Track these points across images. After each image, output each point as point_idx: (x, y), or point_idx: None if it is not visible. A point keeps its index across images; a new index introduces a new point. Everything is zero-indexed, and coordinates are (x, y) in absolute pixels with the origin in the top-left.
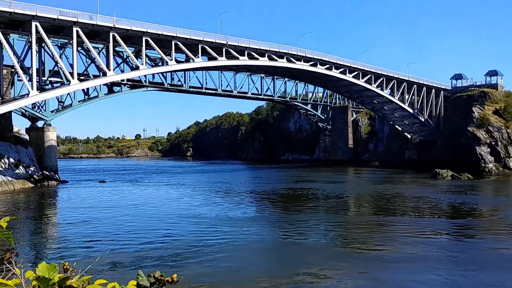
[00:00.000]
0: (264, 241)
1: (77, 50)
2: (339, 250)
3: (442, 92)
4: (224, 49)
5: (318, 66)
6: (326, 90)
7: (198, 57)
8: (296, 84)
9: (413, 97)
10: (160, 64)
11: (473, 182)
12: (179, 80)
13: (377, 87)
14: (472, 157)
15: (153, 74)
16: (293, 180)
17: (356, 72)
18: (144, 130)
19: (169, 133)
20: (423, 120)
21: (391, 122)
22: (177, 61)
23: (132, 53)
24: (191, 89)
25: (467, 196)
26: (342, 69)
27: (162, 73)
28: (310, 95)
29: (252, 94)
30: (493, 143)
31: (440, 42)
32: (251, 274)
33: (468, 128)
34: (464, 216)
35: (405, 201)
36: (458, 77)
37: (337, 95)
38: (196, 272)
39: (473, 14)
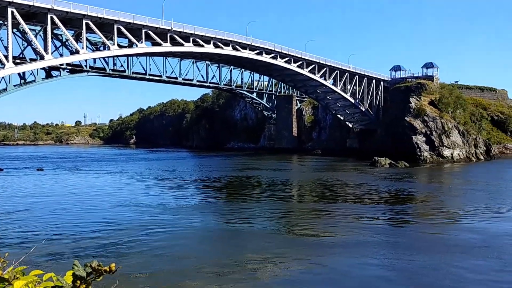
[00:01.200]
0: (208, 229)
1: (12, 32)
2: (283, 236)
3: (382, 83)
4: (168, 35)
5: (264, 55)
6: (272, 79)
7: (142, 42)
8: (242, 72)
9: (354, 87)
10: (101, 48)
11: (409, 170)
12: (121, 66)
13: (320, 77)
14: (409, 146)
15: (94, 59)
16: (238, 168)
17: (300, 62)
18: (84, 117)
19: (111, 120)
20: (363, 110)
21: (334, 112)
22: (120, 46)
23: (72, 36)
24: (134, 75)
25: (403, 183)
26: (287, 59)
27: (103, 58)
28: (255, 83)
29: (197, 81)
30: (428, 132)
31: (379, 33)
32: (195, 262)
33: (406, 118)
34: (401, 202)
35: (346, 188)
36: (397, 68)
37: (282, 84)
38: (137, 261)
39: (408, 11)
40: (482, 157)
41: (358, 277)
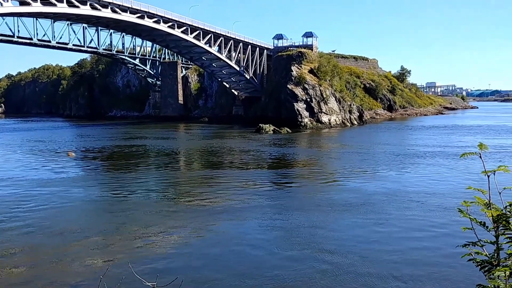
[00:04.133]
0: (93, 201)
1: None
2: (171, 205)
3: (265, 51)
4: None
5: (146, 19)
6: (155, 45)
7: (8, 1)
8: (123, 36)
9: (239, 55)
10: None
11: (291, 136)
12: None
13: (205, 43)
14: (291, 113)
15: None
16: (122, 137)
17: (185, 28)
18: None
19: None
20: (248, 77)
21: (220, 79)
22: None
23: None
24: (0, 37)
25: (286, 149)
26: (170, 24)
27: None
28: (138, 49)
29: (73, 45)
30: (308, 99)
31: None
32: (78, 237)
33: (288, 86)
34: (284, 166)
35: (233, 155)
36: (279, 37)
37: (167, 50)
38: (12, 238)
39: None
40: (356, 122)
41: (247, 240)
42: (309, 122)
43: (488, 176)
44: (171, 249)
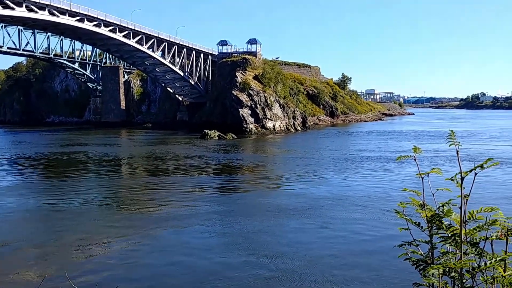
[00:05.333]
0: (29, 210)
1: None
2: (113, 213)
3: (210, 56)
4: None
5: (86, 22)
6: (96, 49)
7: None
8: (62, 40)
9: (183, 60)
10: None
11: (236, 141)
12: None
13: (148, 48)
14: (236, 118)
15: None
16: (61, 144)
17: (126, 32)
18: None
19: None
20: (193, 83)
21: (163, 84)
22: None
23: None
24: None
25: (232, 154)
26: (111, 27)
27: None
28: (77, 52)
29: (8, 48)
30: (253, 105)
31: (207, 8)
32: (11, 248)
33: (233, 92)
34: (230, 172)
35: (177, 161)
36: (223, 43)
37: (108, 54)
38: None
39: None
40: (299, 128)
41: (190, 248)
42: (254, 128)
43: (422, 178)
44: (112, 259)
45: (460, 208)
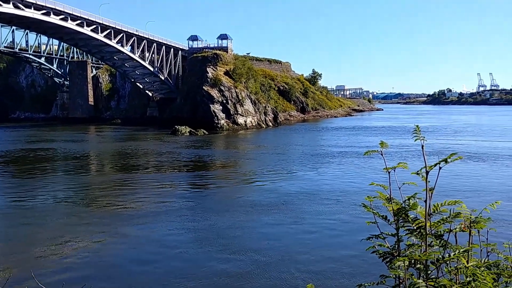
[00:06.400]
0: None
1: None
2: (81, 211)
3: (180, 52)
4: None
5: (52, 15)
6: (63, 43)
7: None
8: (27, 33)
9: (153, 55)
10: None
11: (208, 137)
12: None
13: (117, 43)
14: (207, 114)
15: None
16: (27, 140)
17: (94, 26)
18: None
19: None
20: (163, 78)
21: (133, 80)
22: None
23: None
24: None
25: (203, 150)
26: (79, 21)
27: None
28: (44, 47)
29: None
30: (224, 101)
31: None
32: None
33: (204, 87)
34: (202, 168)
35: (148, 157)
36: (194, 38)
37: (75, 48)
38: None
39: None
40: (270, 124)
41: (161, 244)
42: (225, 124)
43: (389, 173)
44: (79, 258)
45: (425, 201)
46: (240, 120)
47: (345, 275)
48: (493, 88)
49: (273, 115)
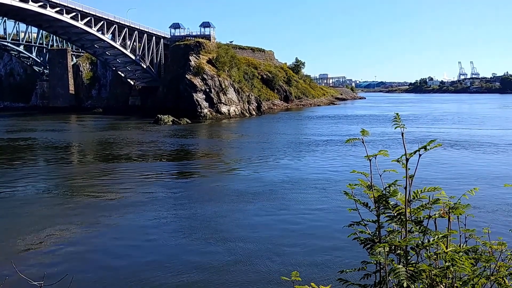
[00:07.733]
0: None
1: None
2: (62, 201)
3: (162, 40)
4: None
5: (30, 3)
6: (42, 31)
7: None
8: (5, 21)
9: (135, 43)
10: None
11: (191, 126)
12: None
13: (97, 31)
14: (190, 103)
15: None
16: (6, 130)
17: (74, 13)
18: None
19: None
20: (145, 66)
21: (114, 68)
22: None
23: None
24: None
25: (187, 140)
26: (58, 8)
27: None
28: (22, 35)
29: None
30: (207, 90)
31: None
32: None
33: (186, 76)
34: (185, 157)
35: (131, 147)
36: (176, 26)
37: (55, 36)
38: None
39: None
40: (254, 113)
41: (145, 234)
42: (208, 113)
43: (370, 160)
44: (61, 248)
45: (405, 188)
46: (224, 109)
47: (329, 262)
48: (473, 76)
49: (256, 104)
